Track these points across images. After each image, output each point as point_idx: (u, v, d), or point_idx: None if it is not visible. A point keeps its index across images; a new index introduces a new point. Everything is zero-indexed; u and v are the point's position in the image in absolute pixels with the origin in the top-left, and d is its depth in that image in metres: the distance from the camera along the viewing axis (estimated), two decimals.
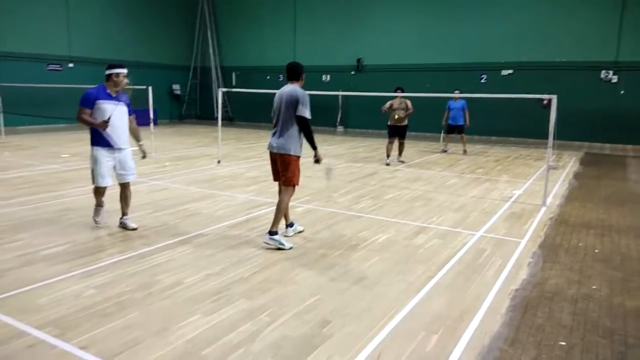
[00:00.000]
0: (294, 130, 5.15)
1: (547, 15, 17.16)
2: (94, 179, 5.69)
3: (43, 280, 4.19)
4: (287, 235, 5.54)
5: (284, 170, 5.23)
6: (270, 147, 5.30)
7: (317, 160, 5.33)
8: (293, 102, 5.07)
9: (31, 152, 12.35)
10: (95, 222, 5.90)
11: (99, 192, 5.84)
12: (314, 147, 5.23)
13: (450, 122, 13.69)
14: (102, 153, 5.60)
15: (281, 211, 5.27)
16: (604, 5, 16.24)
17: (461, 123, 13.55)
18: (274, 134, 5.28)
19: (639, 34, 15.82)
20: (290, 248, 5.16)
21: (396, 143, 11.77)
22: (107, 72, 5.60)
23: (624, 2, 15.93)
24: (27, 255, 4.80)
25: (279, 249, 5.10)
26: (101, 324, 3.43)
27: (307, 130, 5.16)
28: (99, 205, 5.91)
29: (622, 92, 16.25)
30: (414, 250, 5.21)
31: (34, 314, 3.56)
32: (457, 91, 12.76)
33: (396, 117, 11.41)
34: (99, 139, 5.59)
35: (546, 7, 17.15)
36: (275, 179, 5.53)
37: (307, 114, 5.09)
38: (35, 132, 17.30)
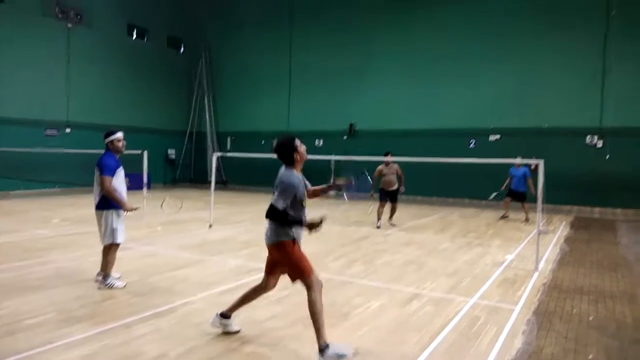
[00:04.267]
0: (276, 217, 4.23)
1: (532, 83, 17.87)
2: (115, 237, 6.02)
3: (24, 351, 4.04)
4: (215, 324, 4.60)
5: (281, 264, 4.37)
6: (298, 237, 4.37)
7: (312, 229, 4.28)
8: (275, 188, 4.25)
9: (21, 217, 12.26)
10: (116, 285, 6.01)
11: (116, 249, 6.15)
12: (300, 223, 4.28)
13: (512, 187, 13.54)
14: (119, 212, 6.06)
15: (318, 316, 4.10)
16: (586, 72, 16.97)
17: (523, 190, 13.30)
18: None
19: (620, 100, 16.45)
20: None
21: (388, 206, 11.83)
22: (107, 139, 6.12)
23: (604, 69, 16.68)
24: (10, 325, 4.66)
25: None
26: None
27: (279, 219, 4.20)
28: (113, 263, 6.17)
29: (607, 156, 16.64)
30: (407, 318, 5.12)
31: None
32: (519, 157, 12.12)
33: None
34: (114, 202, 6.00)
35: (531, 74, 17.89)
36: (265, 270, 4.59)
37: (280, 204, 4.14)
38: (29, 197, 17.26)
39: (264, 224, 4.39)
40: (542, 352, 4.31)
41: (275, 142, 4.45)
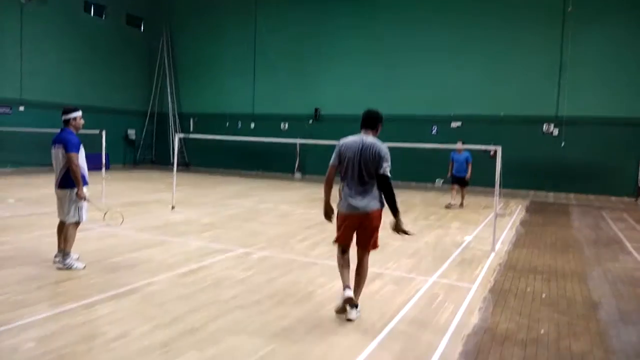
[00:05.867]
0: (375, 186, 4.49)
1: (493, 73, 18.32)
2: (80, 215, 5.91)
3: None
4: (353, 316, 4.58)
5: (370, 232, 4.55)
6: (352, 208, 4.49)
7: (398, 229, 4.50)
8: (378, 158, 4.41)
9: None
10: (77, 266, 5.90)
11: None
12: (397, 211, 4.45)
13: (454, 172, 12.99)
14: (85, 190, 5.92)
15: (366, 277, 4.61)
16: (544, 64, 17.54)
17: (463, 175, 12.89)
18: (355, 193, 4.49)
19: (576, 91, 17.09)
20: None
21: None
22: (67, 116, 5.95)
23: (561, 61, 17.27)
24: None
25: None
26: None
27: (389, 191, 4.42)
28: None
29: (562, 144, 17.30)
30: (369, 296, 5.23)
31: None
32: (459, 142, 12.45)
33: None
34: (83, 178, 5.89)
35: (493, 64, 18.33)
36: (348, 243, 4.69)
37: (389, 171, 4.44)
38: None
39: (352, 194, 4.51)
40: (497, 328, 4.50)
41: (367, 110, 4.76)
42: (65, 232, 5.92)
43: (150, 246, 7.23)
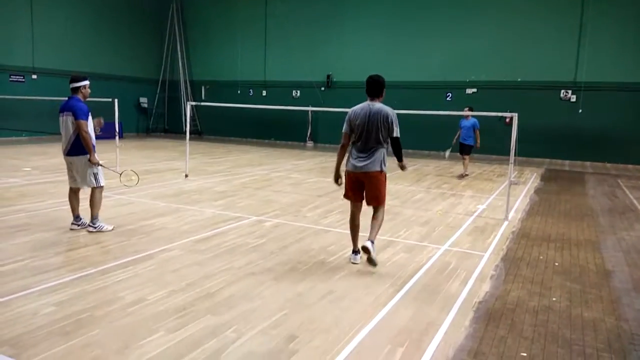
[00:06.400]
0: (383, 149, 5.04)
1: (509, 37, 17.83)
2: (98, 180, 6.05)
3: (0, 297, 4.03)
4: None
5: (375, 189, 5.09)
6: (354, 168, 5.07)
7: (403, 167, 5.40)
8: (387, 123, 4.94)
9: None
10: (106, 228, 6.14)
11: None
12: (402, 159, 5.29)
13: (460, 140, 12.44)
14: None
15: (381, 225, 5.26)
16: (563, 28, 17.02)
17: (469, 143, 12.30)
18: (359, 155, 5.05)
19: (596, 56, 16.60)
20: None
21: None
22: (77, 84, 5.99)
23: (581, 26, 16.72)
24: None
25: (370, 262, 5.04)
26: (60, 343, 3.31)
27: (400, 149, 5.16)
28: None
29: (580, 111, 16.94)
30: (381, 264, 5.25)
31: None
32: (467, 108, 12.04)
33: None
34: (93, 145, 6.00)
35: (510, 28, 17.82)
36: (355, 200, 5.26)
37: (398, 133, 5.03)
38: None
39: (360, 156, 5.07)
40: (508, 295, 4.51)
41: (370, 77, 5.11)
42: (91, 198, 6.11)
43: (165, 214, 7.32)
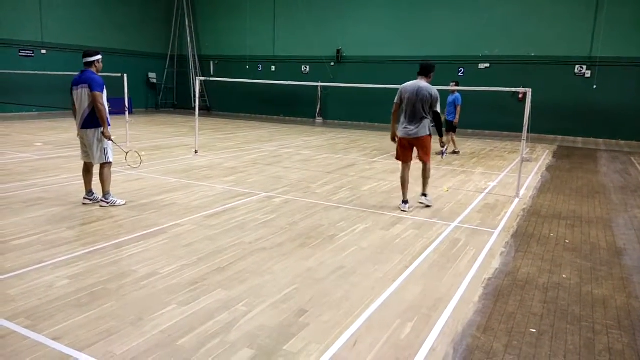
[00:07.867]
0: (427, 119, 6.31)
1: (523, 11, 17.42)
2: (107, 156, 6.10)
3: (14, 270, 4.10)
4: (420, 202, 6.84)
5: (424, 148, 6.45)
6: (406, 134, 6.38)
7: (443, 144, 7.78)
8: (430, 99, 6.21)
9: (2, 141, 12.01)
10: (119, 202, 6.24)
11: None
12: (442, 135, 6.71)
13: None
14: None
15: (429, 177, 6.77)
16: (579, 2, 16.56)
17: (450, 119, 11.84)
18: (409, 123, 6.35)
19: (612, 31, 16.19)
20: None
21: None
22: (91, 59, 6.02)
23: (598, 0, 16.27)
24: None
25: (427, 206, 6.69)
26: (74, 315, 3.38)
27: (440, 121, 6.50)
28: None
29: (594, 86, 16.63)
30: (390, 240, 5.27)
31: (5, 305, 3.49)
32: (453, 83, 11.63)
33: None
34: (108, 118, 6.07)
35: (522, 2, 17.39)
36: (404, 160, 6.58)
37: (439, 108, 6.39)
38: (6, 120, 16.82)
39: (410, 123, 6.43)
40: (518, 272, 4.51)
41: (422, 61, 6.62)
42: (101, 175, 6.16)
43: (176, 189, 7.37)
